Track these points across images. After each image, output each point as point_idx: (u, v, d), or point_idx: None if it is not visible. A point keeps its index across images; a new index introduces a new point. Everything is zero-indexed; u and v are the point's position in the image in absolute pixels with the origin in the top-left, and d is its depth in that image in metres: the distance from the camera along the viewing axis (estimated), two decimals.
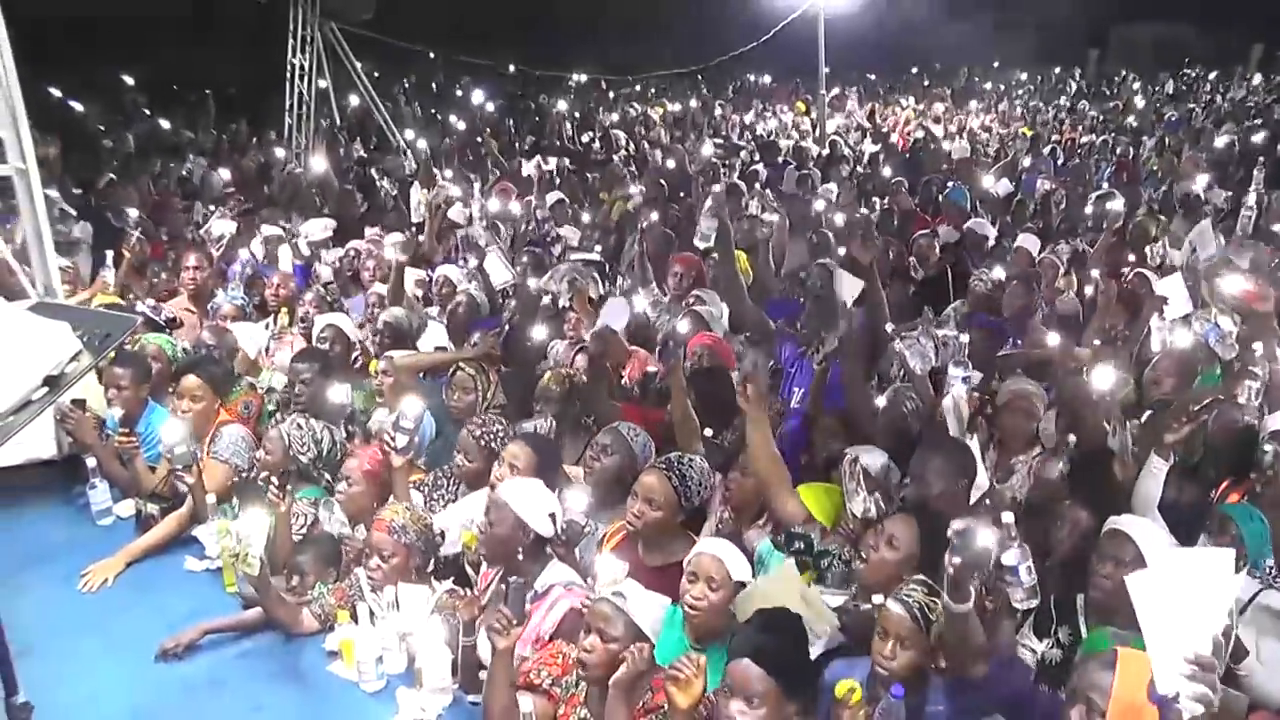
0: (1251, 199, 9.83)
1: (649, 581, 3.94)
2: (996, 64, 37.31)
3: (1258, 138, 17.06)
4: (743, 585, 3.95)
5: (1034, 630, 4.11)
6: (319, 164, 14.07)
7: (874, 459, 4.70)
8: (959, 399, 5.26)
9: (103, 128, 19.14)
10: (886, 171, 14.90)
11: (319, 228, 10.43)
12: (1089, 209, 11.38)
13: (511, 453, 4.94)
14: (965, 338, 5.65)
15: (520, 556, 4.35)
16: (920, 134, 20.87)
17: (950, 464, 4.64)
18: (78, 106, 20.00)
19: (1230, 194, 11.61)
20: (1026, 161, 15.68)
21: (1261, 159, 13.15)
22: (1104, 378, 4.93)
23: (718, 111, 26.12)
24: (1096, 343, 6.60)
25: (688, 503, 4.54)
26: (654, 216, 10.05)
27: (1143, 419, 5.27)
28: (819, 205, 11.27)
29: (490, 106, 24.58)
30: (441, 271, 8.59)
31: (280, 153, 17.45)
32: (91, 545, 5.46)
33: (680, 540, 4.52)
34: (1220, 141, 16.26)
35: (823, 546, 4.52)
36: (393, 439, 5.09)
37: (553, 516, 4.43)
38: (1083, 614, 4.06)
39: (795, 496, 4.68)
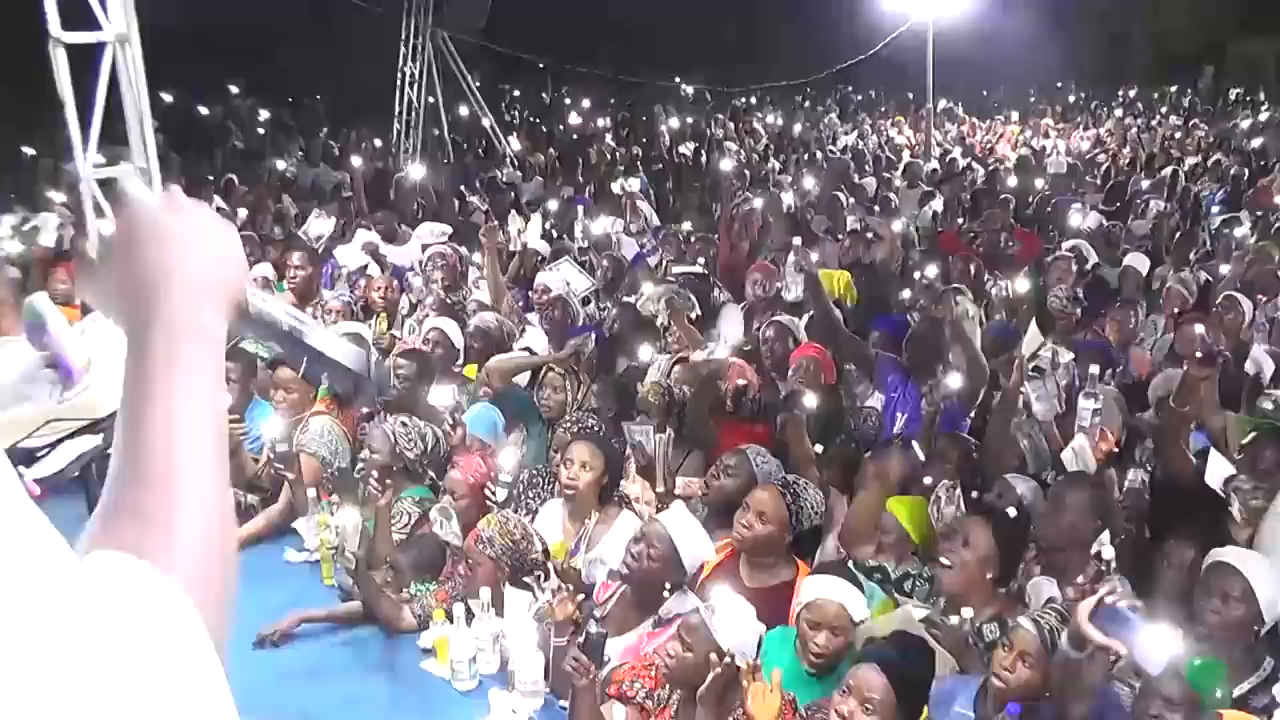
0: None
1: (749, 598, 3.95)
2: (1106, 81, 36.58)
3: None
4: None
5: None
6: (418, 171, 14.26)
7: (1027, 488, 4.70)
8: (1080, 448, 5.10)
9: (225, 130, 19.67)
10: (1012, 181, 14.69)
11: (432, 232, 10.52)
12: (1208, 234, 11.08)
13: (579, 453, 5.01)
14: (1095, 368, 5.50)
15: (665, 592, 4.33)
16: (1025, 151, 20.54)
17: (1089, 500, 4.50)
18: (202, 110, 20.57)
19: None
20: (1145, 184, 15.30)
21: None
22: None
23: (823, 125, 26.02)
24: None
25: (798, 523, 4.55)
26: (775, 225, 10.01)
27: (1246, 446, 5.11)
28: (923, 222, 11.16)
29: (600, 120, 24.73)
30: (541, 279, 8.67)
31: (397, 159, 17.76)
32: None
33: (785, 563, 4.53)
34: None
35: (900, 571, 4.52)
36: (493, 493, 5.14)
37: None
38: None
39: (872, 542, 4.65)
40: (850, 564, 4.52)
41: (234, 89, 25.00)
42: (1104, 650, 3.40)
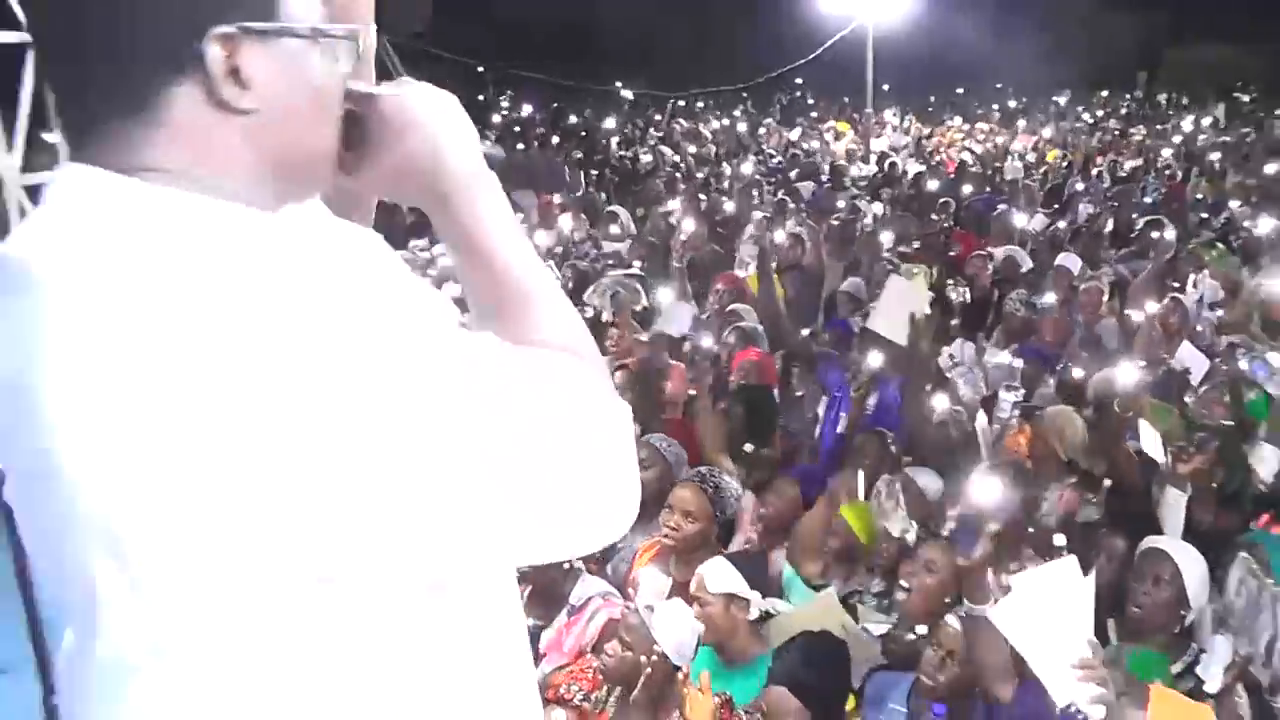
0: None
1: (682, 595, 3.96)
2: (1044, 85, 37.05)
3: None
4: (734, 598, 3.91)
5: None
6: None
7: (929, 481, 4.72)
8: (983, 428, 5.27)
9: None
10: (946, 187, 14.83)
11: None
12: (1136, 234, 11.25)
13: None
14: (1019, 362, 5.58)
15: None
16: (967, 155, 20.74)
17: (1014, 487, 4.57)
18: None
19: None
20: (1079, 186, 15.51)
21: None
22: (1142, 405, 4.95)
23: (761, 130, 26.11)
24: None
25: (721, 515, 4.54)
26: (693, 229, 10.02)
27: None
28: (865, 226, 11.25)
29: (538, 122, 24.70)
30: None
31: None
32: None
33: (711, 555, 4.51)
34: (1271, 169, 16.04)
35: (848, 588, 4.53)
36: None
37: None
38: (1113, 634, 4.07)
39: (820, 559, 4.64)
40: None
41: None
42: None
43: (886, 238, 10.31)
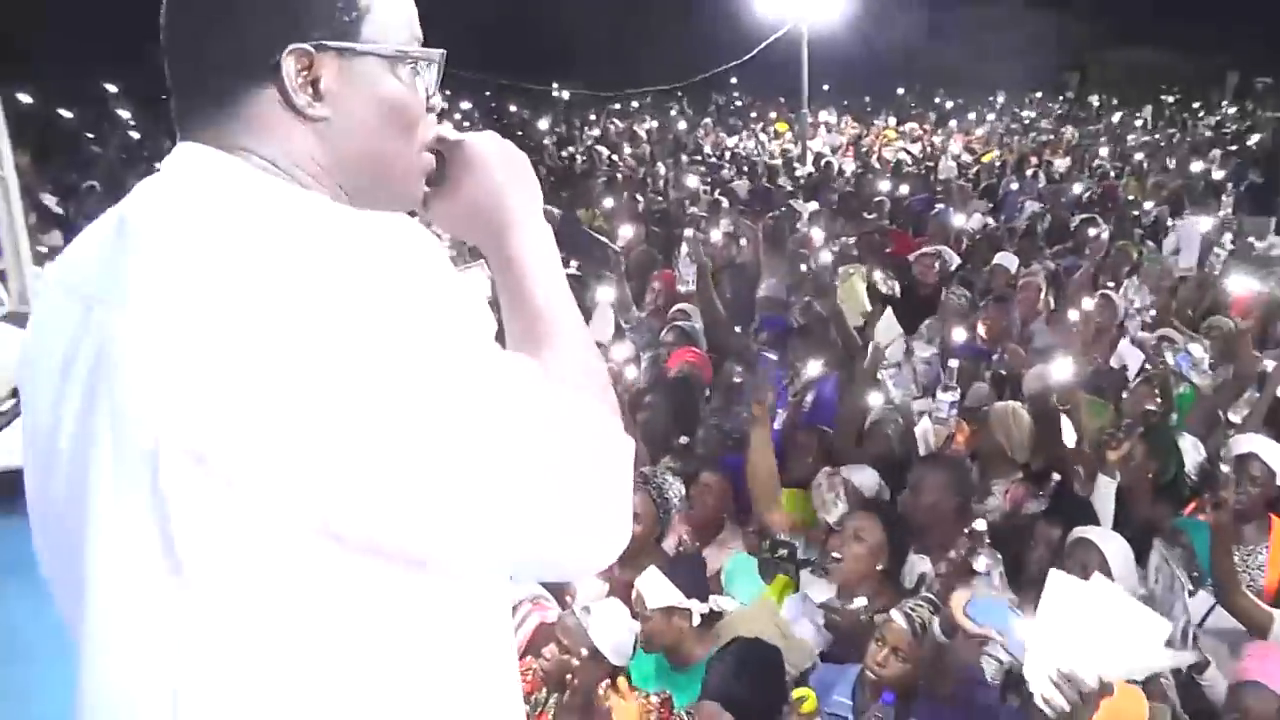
0: (1226, 236, 9.94)
1: (623, 597, 3.94)
2: (978, 86, 37.52)
3: (1230, 165, 17.30)
4: (674, 610, 3.89)
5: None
6: None
7: (866, 478, 4.75)
8: (926, 430, 5.32)
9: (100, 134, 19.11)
10: (883, 186, 14.94)
11: None
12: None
13: None
14: (955, 362, 5.62)
15: None
16: (903, 155, 20.91)
17: (947, 479, 4.70)
18: (65, 113, 19.95)
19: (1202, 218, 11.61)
20: (1014, 185, 15.71)
21: (1230, 185, 13.31)
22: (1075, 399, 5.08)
23: (699, 131, 26.16)
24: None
25: (665, 515, 4.52)
26: (630, 233, 10.00)
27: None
28: (801, 225, 11.28)
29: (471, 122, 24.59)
30: None
31: None
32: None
33: (655, 556, 4.49)
34: (1195, 167, 16.41)
35: (806, 555, 4.55)
36: None
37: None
38: None
39: (782, 509, 4.70)
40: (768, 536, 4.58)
41: (111, 89, 24.24)
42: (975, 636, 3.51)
43: (818, 235, 10.39)
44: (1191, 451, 5.26)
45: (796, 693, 3.42)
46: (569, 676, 3.55)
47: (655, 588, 3.89)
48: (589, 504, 1.27)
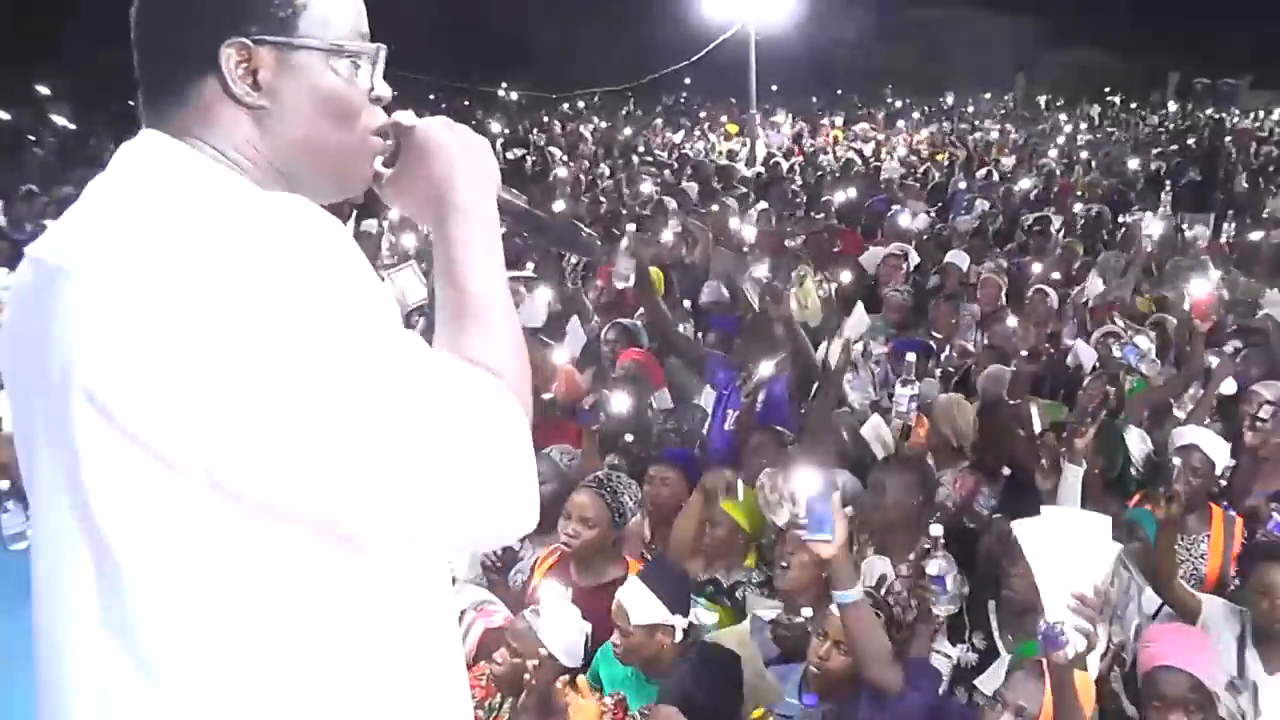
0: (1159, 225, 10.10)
1: (582, 602, 3.90)
2: (926, 87, 37.83)
3: (1170, 163, 17.58)
4: (658, 627, 3.81)
5: (948, 637, 4.14)
6: None
7: (841, 478, 4.74)
8: (877, 425, 5.30)
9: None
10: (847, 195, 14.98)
11: None
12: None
13: None
14: (911, 357, 5.63)
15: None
16: (851, 154, 21.01)
17: (910, 480, 4.68)
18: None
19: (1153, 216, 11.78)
20: (963, 184, 15.83)
21: (1169, 183, 13.51)
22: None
23: (647, 132, 26.17)
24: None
25: (620, 519, 4.46)
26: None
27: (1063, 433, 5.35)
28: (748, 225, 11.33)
29: None
30: None
31: None
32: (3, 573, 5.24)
33: (613, 561, 4.44)
34: (1132, 164, 16.65)
35: (732, 579, 4.53)
36: None
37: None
38: (995, 618, 4.14)
39: (696, 558, 4.59)
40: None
41: (44, 91, 23.93)
42: (925, 622, 3.64)
43: (749, 233, 10.47)
44: (1138, 443, 5.30)
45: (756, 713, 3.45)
46: (526, 678, 3.52)
47: (639, 602, 3.81)
48: (470, 470, 1.30)
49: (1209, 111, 34.37)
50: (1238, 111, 34.72)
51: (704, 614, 4.09)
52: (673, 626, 3.80)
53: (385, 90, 1.52)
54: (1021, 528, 3.10)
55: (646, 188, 14.88)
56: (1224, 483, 5.18)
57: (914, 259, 9.82)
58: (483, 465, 1.32)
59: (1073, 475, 4.60)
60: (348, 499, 1.26)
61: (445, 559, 1.58)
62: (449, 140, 1.53)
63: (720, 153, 22.65)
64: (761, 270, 8.34)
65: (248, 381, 1.19)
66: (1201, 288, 6.09)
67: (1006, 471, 5.17)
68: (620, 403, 5.52)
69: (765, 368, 5.87)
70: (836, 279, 8.39)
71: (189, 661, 1.27)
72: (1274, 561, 3.98)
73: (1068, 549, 3.00)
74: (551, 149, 20.95)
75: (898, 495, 4.58)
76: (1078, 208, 13.16)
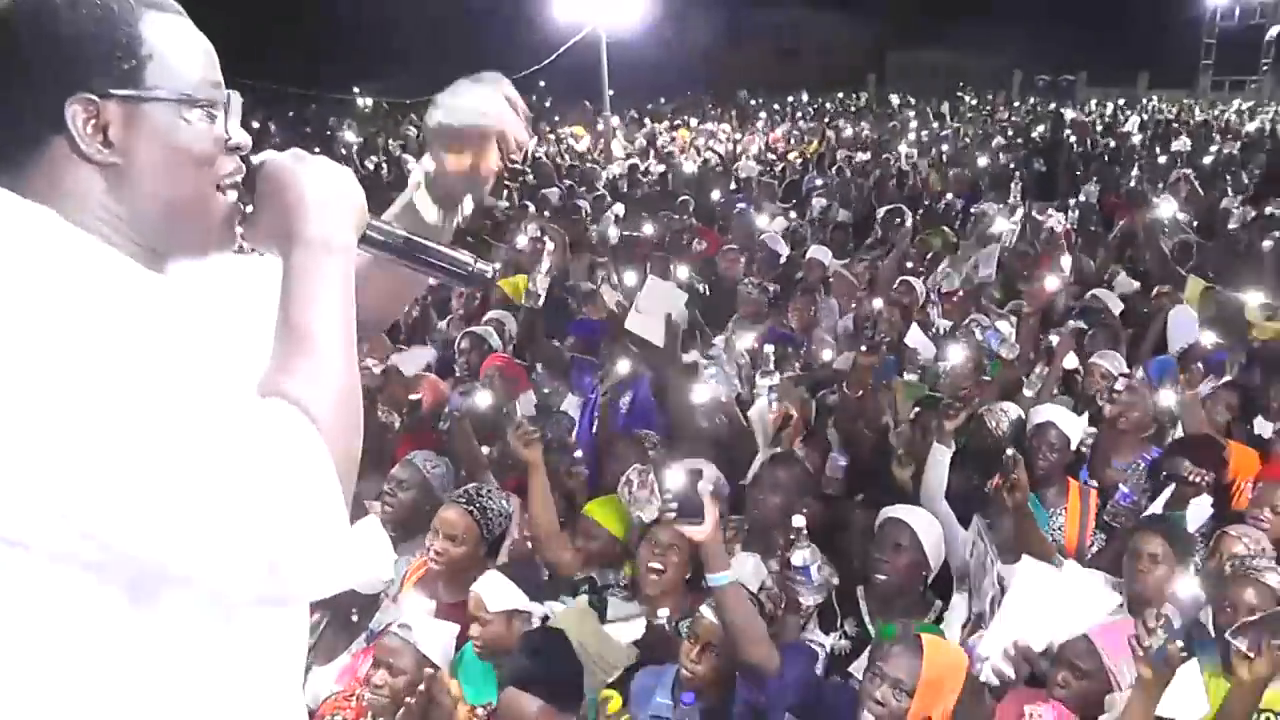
0: (1016, 215, 10.34)
1: (450, 617, 3.86)
2: (780, 86, 38.36)
3: (1017, 156, 18.15)
4: (515, 613, 3.84)
5: (820, 626, 4.22)
6: None
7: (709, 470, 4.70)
8: (762, 411, 5.32)
9: None
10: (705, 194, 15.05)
11: None
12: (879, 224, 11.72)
13: None
14: (770, 348, 5.67)
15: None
16: (710, 155, 21.13)
17: (794, 479, 4.73)
18: None
19: (996, 207, 12.07)
20: (818, 181, 16.01)
21: (1019, 174, 13.90)
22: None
23: None
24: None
25: (489, 534, 4.37)
26: None
27: (915, 415, 5.55)
28: (606, 226, 11.31)
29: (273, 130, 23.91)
30: None
31: None
32: None
33: (482, 573, 4.36)
34: (983, 162, 17.10)
35: (604, 581, 4.50)
36: None
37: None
38: (865, 605, 4.24)
39: (567, 548, 4.59)
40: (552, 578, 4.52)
41: None
42: (793, 612, 3.75)
43: (614, 233, 10.56)
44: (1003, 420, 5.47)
45: (603, 694, 3.47)
46: (419, 693, 3.44)
47: (496, 590, 3.82)
48: (247, 517, 1.22)
49: (1051, 106, 35.61)
50: (1077, 105, 36.13)
51: (556, 606, 4.06)
52: (529, 614, 3.83)
53: (243, 138, 1.48)
54: (1027, 567, 3.27)
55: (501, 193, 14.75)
56: (1086, 452, 5.45)
57: (784, 252, 9.98)
58: (262, 514, 1.23)
59: (942, 455, 4.75)
60: (113, 541, 1.20)
61: (274, 613, 1.50)
62: (297, 173, 1.47)
63: (576, 156, 22.56)
64: (627, 274, 8.35)
65: (15, 420, 1.15)
66: (1050, 281, 6.57)
67: (843, 462, 5.31)
68: (483, 400, 5.48)
69: (621, 368, 5.89)
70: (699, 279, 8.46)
71: None
72: (1147, 532, 4.12)
73: (1051, 605, 3.10)
74: (405, 157, 20.58)
75: (783, 494, 4.62)
76: (931, 200, 13.48)
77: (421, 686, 3.43)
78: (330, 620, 4.20)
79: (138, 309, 1.29)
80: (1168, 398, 5.51)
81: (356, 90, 29.50)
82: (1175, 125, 25.83)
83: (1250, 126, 26.77)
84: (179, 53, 1.41)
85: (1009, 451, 4.53)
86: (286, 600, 1.38)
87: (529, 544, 4.83)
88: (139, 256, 1.41)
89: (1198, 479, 4.58)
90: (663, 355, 5.98)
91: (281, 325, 1.40)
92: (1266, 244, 9.13)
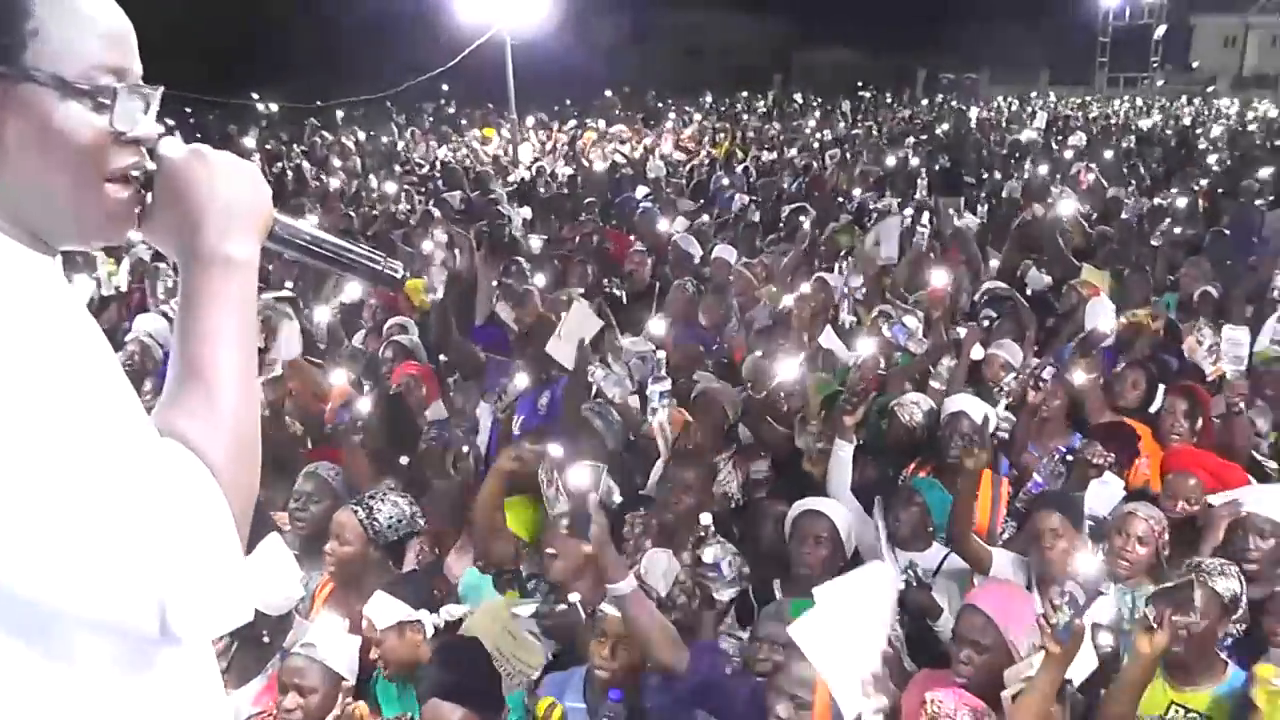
0: (925, 216, 10.50)
1: (354, 625, 3.86)
2: (686, 87, 38.50)
3: (922, 153, 18.45)
4: (404, 625, 3.84)
5: (738, 620, 4.32)
6: None
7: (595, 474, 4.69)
8: (663, 421, 5.35)
9: None
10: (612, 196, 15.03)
11: None
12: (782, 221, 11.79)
13: None
14: (662, 354, 5.66)
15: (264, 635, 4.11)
16: (618, 157, 21.12)
17: (700, 477, 4.87)
18: None
19: (899, 201, 12.20)
20: (725, 180, 16.09)
21: (924, 170, 14.11)
22: (787, 379, 5.56)
23: (402, 142, 25.71)
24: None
25: (378, 537, 4.34)
26: None
27: (821, 413, 5.61)
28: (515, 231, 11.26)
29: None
30: (139, 323, 7.83)
31: None
32: None
33: (378, 576, 4.31)
34: (890, 159, 17.31)
35: (530, 571, 4.52)
36: None
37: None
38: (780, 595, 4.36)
39: (507, 540, 4.63)
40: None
41: None
42: (709, 609, 3.81)
43: (535, 242, 10.51)
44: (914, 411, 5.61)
45: (542, 703, 3.49)
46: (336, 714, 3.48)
47: (381, 609, 3.83)
48: (126, 555, 1.18)
49: (954, 103, 36.25)
50: (980, 103, 36.86)
51: (455, 610, 4.04)
52: (419, 622, 3.84)
53: (144, 130, 1.35)
54: (797, 630, 3.11)
55: (392, 188, 14.68)
56: (1004, 439, 5.57)
57: (697, 252, 10.02)
58: (155, 557, 1.19)
59: (844, 451, 4.89)
60: (3, 582, 1.16)
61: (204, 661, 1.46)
62: (198, 177, 1.38)
63: (482, 159, 22.40)
64: (540, 279, 8.34)
65: None
66: (939, 278, 6.77)
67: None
68: (364, 405, 5.43)
69: (519, 382, 5.95)
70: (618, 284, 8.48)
71: None
72: (1044, 509, 4.36)
73: (846, 631, 3.03)
74: (305, 165, 20.27)
75: (691, 493, 4.74)
76: (855, 192, 13.62)
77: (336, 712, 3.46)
78: (240, 643, 4.12)
79: (23, 312, 1.22)
80: (1079, 379, 5.67)
81: (256, 96, 29.03)
82: (1073, 121, 26.52)
83: (1145, 123, 27.59)
84: (69, 33, 1.28)
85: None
86: (181, 641, 1.30)
87: (435, 551, 4.87)
88: (21, 239, 1.31)
89: (1099, 460, 4.79)
90: (573, 376, 5.99)
91: (179, 356, 1.34)
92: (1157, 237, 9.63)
